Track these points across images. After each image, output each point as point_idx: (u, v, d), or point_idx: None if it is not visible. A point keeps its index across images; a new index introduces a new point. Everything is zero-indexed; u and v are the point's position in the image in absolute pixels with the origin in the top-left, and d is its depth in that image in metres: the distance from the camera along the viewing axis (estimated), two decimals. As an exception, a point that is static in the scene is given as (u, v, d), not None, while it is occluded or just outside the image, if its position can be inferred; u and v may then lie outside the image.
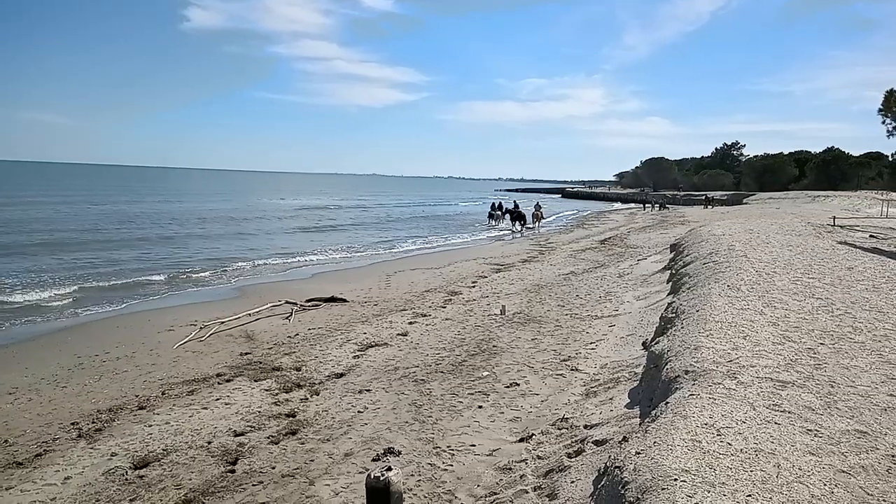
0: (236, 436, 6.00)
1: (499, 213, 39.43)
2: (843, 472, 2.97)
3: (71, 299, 13.11)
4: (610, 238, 26.77)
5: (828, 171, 68.46)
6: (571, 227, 37.73)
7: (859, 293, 7.77)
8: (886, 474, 2.98)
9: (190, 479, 5.12)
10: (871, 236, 16.63)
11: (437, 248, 26.23)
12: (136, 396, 7.22)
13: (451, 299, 12.97)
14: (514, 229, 35.26)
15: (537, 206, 39.14)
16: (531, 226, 36.34)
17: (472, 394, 6.93)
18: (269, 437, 5.94)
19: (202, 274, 17.19)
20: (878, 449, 3.25)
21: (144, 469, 5.32)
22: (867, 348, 5.22)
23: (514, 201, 41.39)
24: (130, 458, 5.53)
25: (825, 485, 2.84)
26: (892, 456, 3.17)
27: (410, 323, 10.70)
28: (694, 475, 2.87)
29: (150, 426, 6.29)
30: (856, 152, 73.26)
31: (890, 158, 68.02)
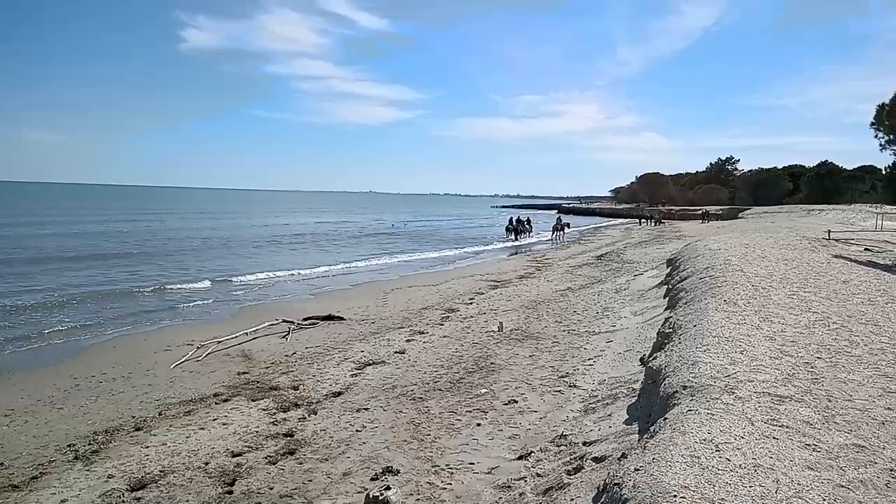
0: (234, 456, 5.97)
1: (513, 226, 42.34)
2: (842, 486, 2.97)
3: (67, 320, 13.02)
4: (606, 254, 26.83)
5: (822, 184, 68.75)
6: (568, 242, 37.80)
7: (855, 307, 7.80)
8: (885, 489, 2.98)
9: (187, 501, 5.09)
10: (866, 249, 16.69)
11: (435, 264, 26.20)
12: (133, 417, 7.18)
13: (448, 316, 12.96)
14: (508, 239, 40.24)
15: (559, 220, 42.63)
16: (551, 238, 40.62)
17: (471, 411, 6.91)
18: (266, 458, 5.91)
19: (199, 293, 17.17)
20: (876, 463, 3.25)
21: (141, 491, 5.28)
22: (864, 362, 5.24)
23: (510, 217, 45.14)
24: (127, 479, 5.48)
25: (824, 500, 2.84)
26: (891, 470, 3.17)
27: (408, 340, 10.67)
28: (693, 491, 2.86)
29: (147, 447, 6.24)
30: (849, 166, 73.75)
31: (883, 172, 68.23)
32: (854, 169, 72.44)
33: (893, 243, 18.11)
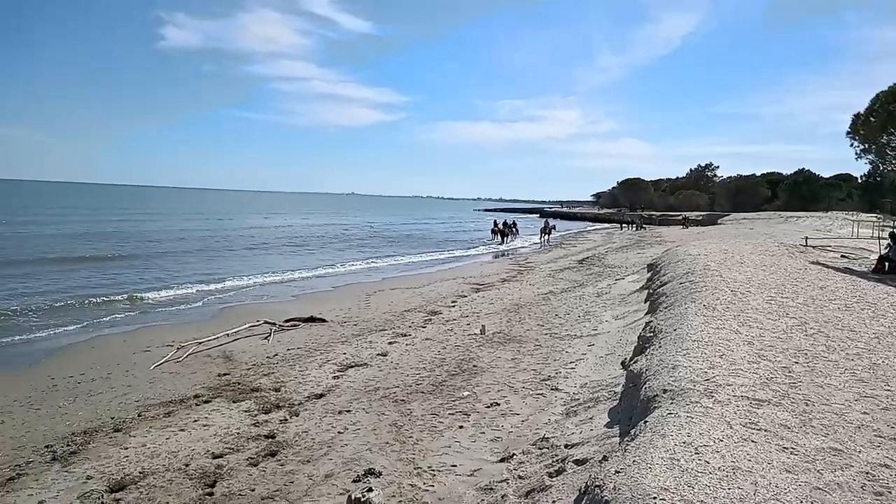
0: (214, 458, 5.93)
1: (500, 229, 42.96)
2: (819, 489, 3.03)
3: (45, 322, 12.84)
4: (588, 258, 26.94)
5: (799, 191, 69.86)
6: (550, 246, 37.97)
7: (832, 312, 7.93)
8: (861, 491, 3.04)
9: (167, 503, 5.05)
10: (842, 256, 16.97)
11: (418, 267, 26.19)
12: (112, 418, 7.11)
13: (431, 319, 12.97)
14: (497, 241, 41.26)
15: (546, 223, 43.78)
16: (538, 241, 41.53)
17: (453, 414, 6.92)
18: (248, 459, 5.88)
19: (181, 295, 16.98)
20: (852, 466, 3.32)
21: (121, 492, 5.23)
22: (840, 367, 5.33)
23: (495, 220, 46.17)
24: (106, 481, 5.43)
25: (801, 502, 2.89)
26: (867, 473, 3.24)
27: (390, 343, 10.67)
28: (673, 493, 2.90)
29: (127, 449, 6.19)
30: (826, 174, 75.06)
31: (859, 180, 69.58)
32: (831, 177, 73.76)
33: (869, 251, 18.41)
